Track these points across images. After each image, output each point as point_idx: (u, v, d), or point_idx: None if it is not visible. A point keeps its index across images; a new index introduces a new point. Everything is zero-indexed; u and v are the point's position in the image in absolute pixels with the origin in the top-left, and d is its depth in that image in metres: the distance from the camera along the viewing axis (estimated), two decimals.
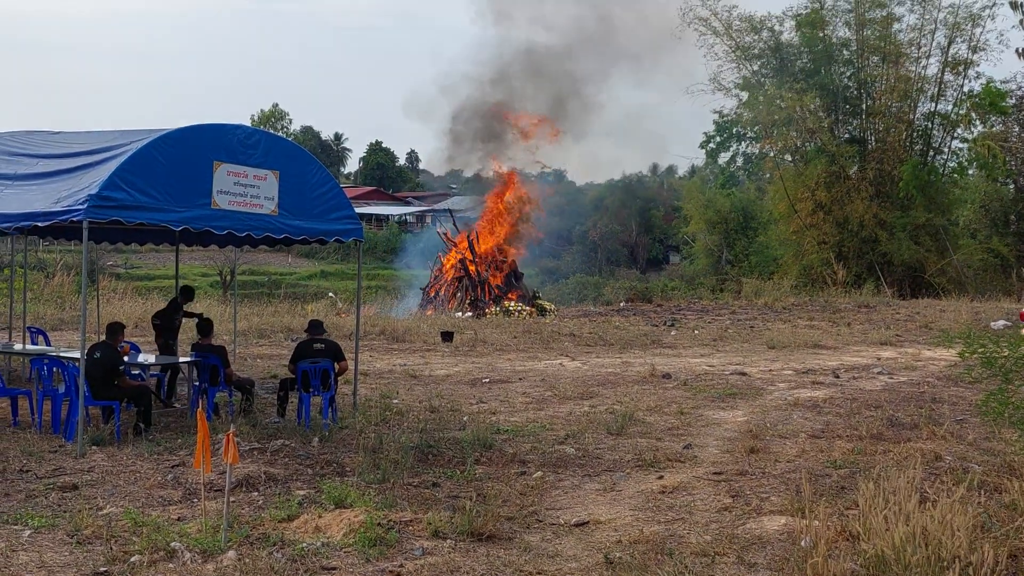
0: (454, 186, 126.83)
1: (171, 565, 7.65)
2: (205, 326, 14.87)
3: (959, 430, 13.25)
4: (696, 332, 28.17)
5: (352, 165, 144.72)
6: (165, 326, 16.46)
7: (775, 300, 38.36)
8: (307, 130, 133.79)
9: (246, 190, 12.80)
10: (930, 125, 49.03)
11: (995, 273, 46.06)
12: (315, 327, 14.48)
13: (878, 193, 47.68)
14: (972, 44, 47.06)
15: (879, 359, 21.86)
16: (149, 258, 65.10)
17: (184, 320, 17.19)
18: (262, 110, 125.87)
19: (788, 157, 52.42)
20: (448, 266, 38.92)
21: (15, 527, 8.59)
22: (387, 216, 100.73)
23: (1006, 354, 10.33)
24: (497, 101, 45.79)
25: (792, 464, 11.37)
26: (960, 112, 47.64)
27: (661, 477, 10.76)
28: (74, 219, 11.32)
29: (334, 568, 7.72)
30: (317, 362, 13.67)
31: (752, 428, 13.40)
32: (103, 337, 13.30)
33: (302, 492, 9.78)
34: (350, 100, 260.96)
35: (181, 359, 15.23)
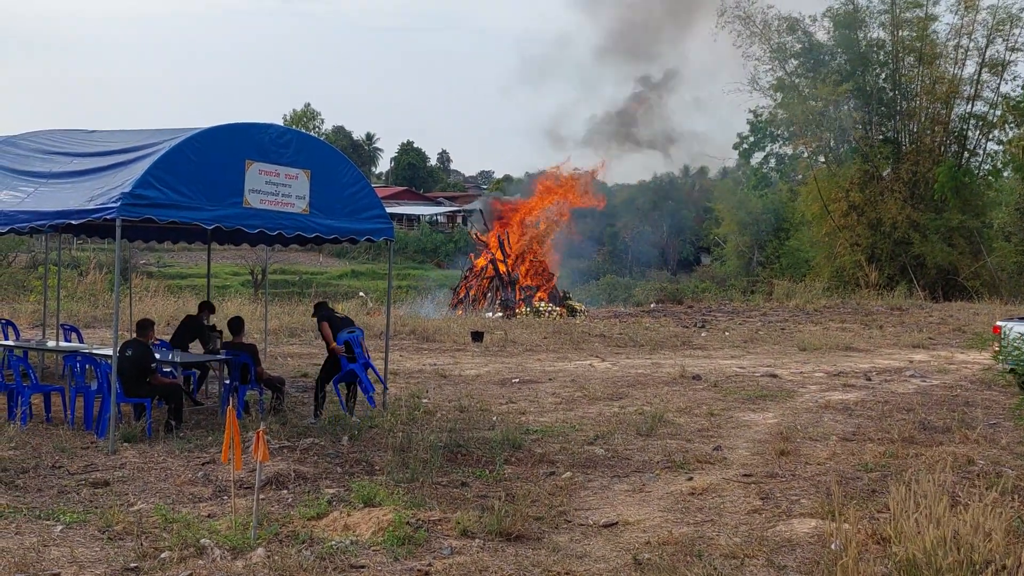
0: (485, 186, 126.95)
1: (200, 562, 7.69)
2: (236, 324, 14.94)
3: (992, 434, 13.14)
4: (727, 334, 28.07)
5: (383, 165, 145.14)
6: (186, 335, 16.22)
7: (806, 302, 38.14)
8: (339, 130, 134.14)
9: (278, 189, 12.86)
10: (965, 127, 48.61)
11: None
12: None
13: (912, 195, 47.33)
14: (1010, 45, 46.69)
15: (911, 362, 21.69)
16: (181, 256, 65.46)
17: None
18: (294, 110, 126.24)
19: (821, 158, 52.14)
20: (479, 267, 39.01)
21: (47, 522, 8.66)
22: (418, 216, 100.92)
23: None
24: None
25: (823, 467, 11.31)
26: (996, 114, 47.22)
27: (691, 478, 10.72)
28: (107, 217, 11.40)
29: (362, 566, 7.73)
30: (354, 331, 13.88)
31: (783, 430, 13.33)
32: (135, 335, 13.38)
33: (331, 490, 9.80)
34: (382, 100, 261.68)
35: (213, 356, 15.30)
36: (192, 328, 15.80)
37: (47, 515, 8.85)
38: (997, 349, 17.29)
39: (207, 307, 16.55)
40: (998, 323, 17.73)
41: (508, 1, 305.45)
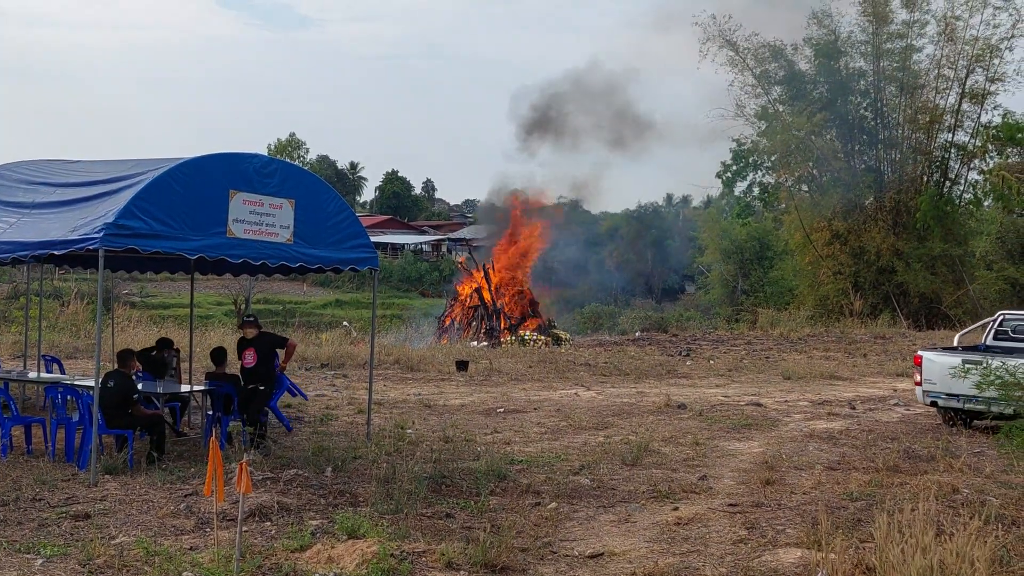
0: (469, 215, 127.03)
1: None
2: (219, 355, 14.87)
3: (976, 462, 13.16)
4: (711, 362, 28.09)
5: (368, 194, 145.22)
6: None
7: (791, 331, 38.25)
8: (323, 159, 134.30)
9: (262, 219, 12.82)
10: (947, 156, 48.92)
11: (1012, 305, 45.86)
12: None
13: (895, 223, 47.58)
14: (990, 75, 47.04)
15: (895, 390, 21.73)
16: (164, 287, 65.30)
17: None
18: (279, 139, 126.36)
19: (804, 187, 52.38)
20: (464, 295, 38.99)
21: (27, 556, 8.57)
22: (403, 245, 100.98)
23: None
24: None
25: (808, 496, 11.29)
26: (977, 144, 47.54)
27: (676, 508, 10.69)
28: (90, 247, 11.34)
29: None
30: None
31: (768, 459, 13.32)
32: (117, 365, 13.30)
33: (315, 522, 9.74)
34: (367, 129, 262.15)
35: (196, 387, 15.22)
36: (147, 362, 15.75)
37: (27, 548, 8.76)
38: (919, 381, 16.64)
39: (164, 343, 16.46)
40: (919, 353, 16.85)
41: (493, 31, 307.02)
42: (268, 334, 14.68)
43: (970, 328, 20.06)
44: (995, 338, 17.46)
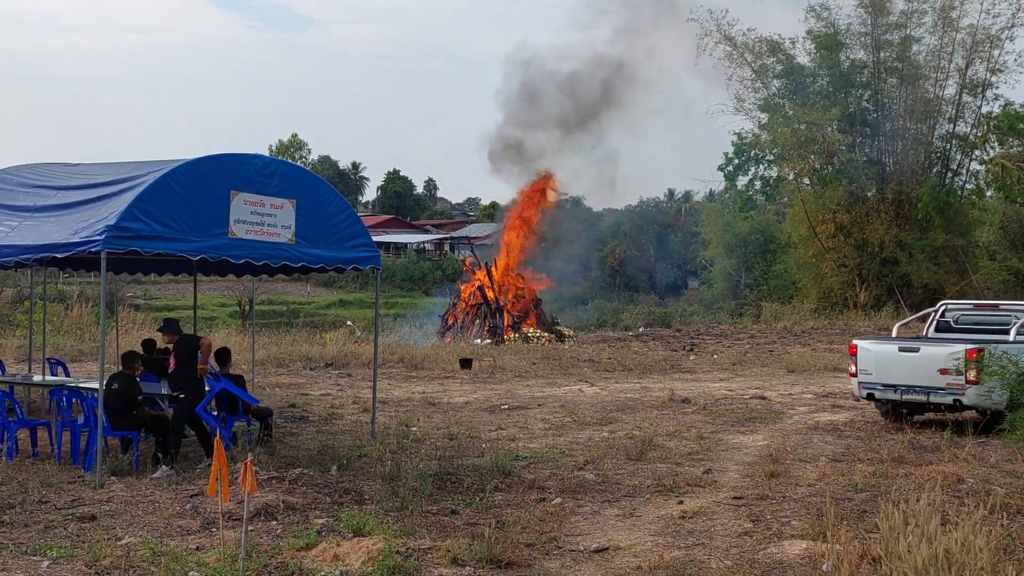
0: (472, 214, 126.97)
1: None
2: (223, 355, 14.88)
3: (981, 452, 13.15)
4: (715, 356, 28.09)
5: (370, 194, 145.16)
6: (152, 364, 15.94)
7: (794, 324, 38.24)
8: (325, 160, 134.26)
9: (263, 219, 12.84)
10: (948, 147, 48.86)
11: (1015, 295, 45.82)
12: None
13: (897, 215, 47.49)
14: (991, 65, 46.95)
15: None
16: (168, 289, 65.23)
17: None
18: (280, 140, 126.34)
19: (806, 180, 52.25)
20: (467, 294, 38.99)
21: (34, 558, 8.59)
22: (405, 244, 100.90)
23: None
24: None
25: (813, 488, 11.30)
26: (978, 134, 47.47)
27: (681, 502, 10.70)
28: (92, 250, 11.37)
29: None
30: None
31: (772, 452, 13.32)
32: (121, 367, 13.31)
33: (320, 521, 9.75)
34: (368, 129, 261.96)
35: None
36: (148, 364, 15.60)
37: (34, 550, 8.78)
38: (854, 372, 15.87)
39: (149, 345, 16.46)
40: (854, 342, 16.17)
41: (494, 31, 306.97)
42: (187, 337, 13.63)
43: (910, 318, 19.69)
44: (937, 329, 17.11)
